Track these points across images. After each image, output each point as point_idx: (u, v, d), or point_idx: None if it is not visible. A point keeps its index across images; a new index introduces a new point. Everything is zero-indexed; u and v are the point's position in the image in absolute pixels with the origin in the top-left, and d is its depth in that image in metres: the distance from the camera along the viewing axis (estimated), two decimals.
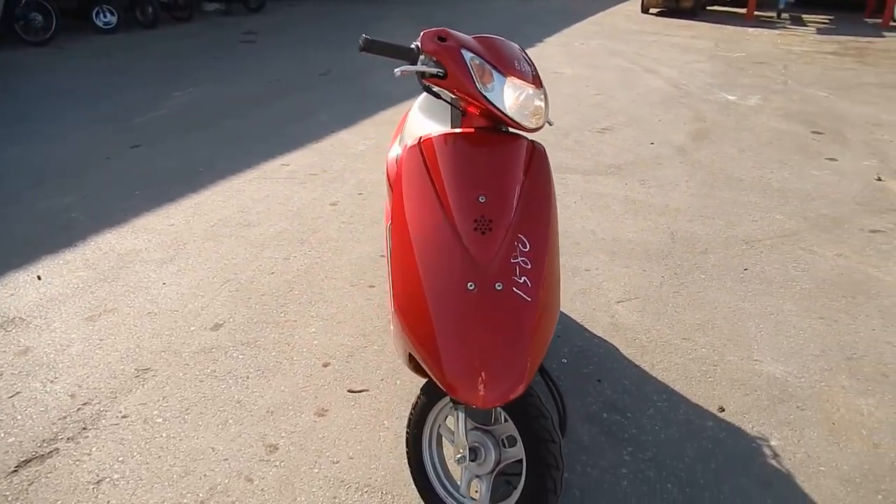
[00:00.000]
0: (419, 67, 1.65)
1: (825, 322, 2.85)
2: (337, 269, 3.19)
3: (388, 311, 2.27)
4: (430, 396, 1.80)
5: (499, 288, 1.55)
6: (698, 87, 7.04)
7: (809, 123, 5.75)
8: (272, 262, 3.25)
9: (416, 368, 1.88)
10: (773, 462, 2.09)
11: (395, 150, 2.54)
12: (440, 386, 1.55)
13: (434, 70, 1.64)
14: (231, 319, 2.78)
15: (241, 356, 2.55)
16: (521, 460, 1.68)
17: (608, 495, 1.95)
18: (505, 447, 1.72)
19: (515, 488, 1.70)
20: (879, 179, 4.49)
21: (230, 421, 2.22)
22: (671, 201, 4.07)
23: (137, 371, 2.46)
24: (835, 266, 3.32)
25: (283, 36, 9.59)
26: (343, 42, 9.20)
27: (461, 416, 1.69)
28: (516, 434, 1.66)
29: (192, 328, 2.72)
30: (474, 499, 1.79)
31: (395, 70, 1.65)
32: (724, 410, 2.30)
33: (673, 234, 3.64)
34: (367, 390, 2.39)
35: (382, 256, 3.32)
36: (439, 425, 1.84)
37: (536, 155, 1.73)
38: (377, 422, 2.24)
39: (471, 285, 1.55)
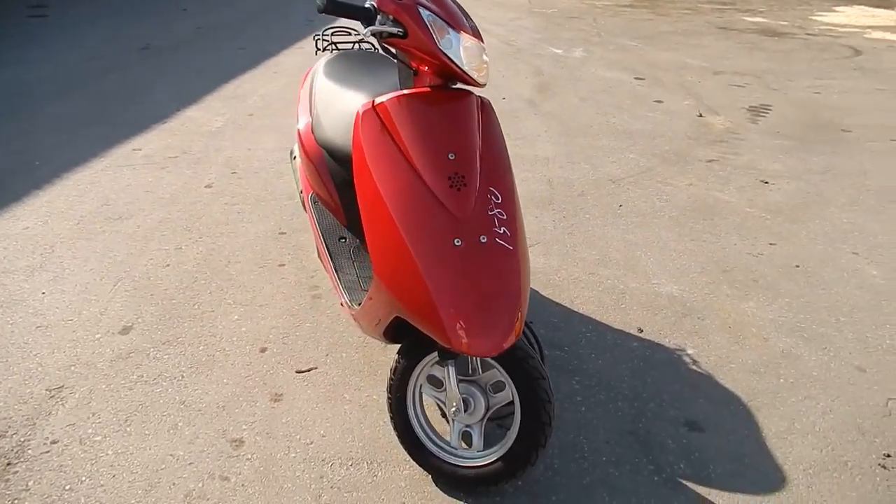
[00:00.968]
0: (379, 28, 1.63)
1: (697, 243, 3.24)
2: (237, 252, 3.04)
3: (333, 287, 2.23)
4: (410, 358, 1.83)
5: (483, 241, 1.61)
6: (527, 42, 7.42)
7: (630, 71, 6.34)
8: (163, 255, 3.01)
9: (393, 336, 1.89)
10: (695, 367, 2.39)
11: (304, 121, 2.46)
12: (441, 342, 1.59)
13: (394, 30, 1.63)
14: (140, 320, 2.56)
15: (166, 356, 2.37)
16: (510, 403, 1.78)
17: (574, 422, 2.12)
18: (492, 394, 1.80)
19: (509, 429, 1.80)
20: (700, 116, 5.11)
21: (180, 424, 2.08)
22: (539, 151, 4.33)
23: (50, 391, 2.19)
24: (689, 194, 3.76)
25: (82, 7, 8.54)
26: (158, 11, 8.42)
27: (451, 370, 1.74)
28: (505, 378, 1.75)
29: (98, 336, 2.46)
30: (466, 447, 1.86)
31: (365, 30, 1.62)
32: (642, 331, 2.57)
33: (550, 181, 3.89)
34: (316, 368, 2.34)
35: (282, 233, 3.20)
36: (420, 385, 1.87)
37: (486, 109, 1.79)
38: (337, 396, 2.21)
39: (457, 241, 1.60)
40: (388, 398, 1.88)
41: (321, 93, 2.40)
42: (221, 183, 3.72)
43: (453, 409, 1.78)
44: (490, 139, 1.75)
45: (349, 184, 2.34)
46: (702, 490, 1.89)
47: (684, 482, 1.92)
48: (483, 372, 1.82)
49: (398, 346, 1.89)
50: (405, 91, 1.72)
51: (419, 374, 1.85)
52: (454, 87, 1.77)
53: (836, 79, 6.19)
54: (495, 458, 1.79)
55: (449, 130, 1.69)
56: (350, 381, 2.28)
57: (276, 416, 2.12)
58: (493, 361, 1.74)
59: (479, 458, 1.83)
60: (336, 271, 2.23)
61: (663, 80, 6.02)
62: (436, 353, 1.79)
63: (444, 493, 1.86)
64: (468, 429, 1.85)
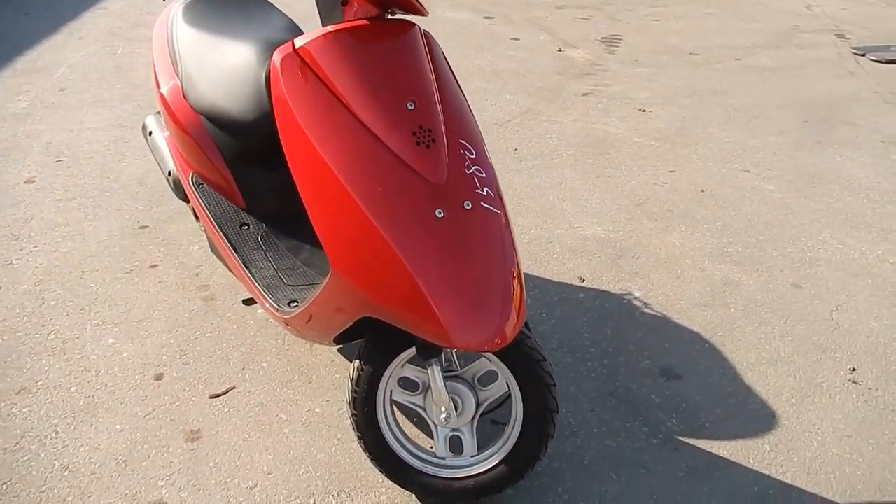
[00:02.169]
0: None
1: (602, 179, 3.12)
2: (91, 259, 2.43)
3: (246, 288, 1.79)
4: (377, 362, 1.48)
5: (468, 207, 1.29)
6: None
7: (477, 10, 6.10)
8: None
9: (343, 336, 1.54)
10: (648, 310, 2.25)
11: (170, 83, 1.94)
12: (435, 339, 1.27)
13: None
14: None
15: (26, 410, 1.81)
16: (503, 395, 1.51)
17: None
18: (480, 387, 1.51)
19: (506, 424, 1.53)
20: (560, 51, 5.01)
21: (69, 499, 1.57)
22: None
23: None
24: (577, 130, 3.64)
25: None
26: None
27: (436, 369, 1.43)
28: (497, 367, 1.47)
29: None
30: (456, 455, 1.56)
31: None
32: (584, 280, 2.39)
33: None
34: (234, 387, 1.91)
35: (144, 227, 2.62)
36: (391, 392, 1.54)
37: (432, 42, 1.45)
38: (271, 419, 1.81)
39: (439, 212, 1.27)
40: (354, 415, 1.52)
41: (188, 46, 1.88)
42: (46, 175, 2.99)
43: (443, 415, 1.47)
44: (445, 80, 1.41)
45: (245, 156, 1.88)
46: (703, 444, 1.75)
47: (683, 439, 1.77)
48: (467, 364, 1.52)
49: (339, 346, 1.53)
50: (334, 26, 1.32)
51: (389, 378, 1.51)
52: (392, 17, 1.39)
53: (668, 5, 6.39)
54: (497, 461, 1.51)
55: (401, 74, 1.32)
56: (282, 397, 1.88)
57: (199, 460, 1.68)
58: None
59: (477, 464, 1.54)
60: (246, 267, 1.79)
61: (513, 18, 5.85)
62: (410, 351, 1.46)
63: None
64: (456, 433, 1.55)
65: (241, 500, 1.58)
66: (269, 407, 1.84)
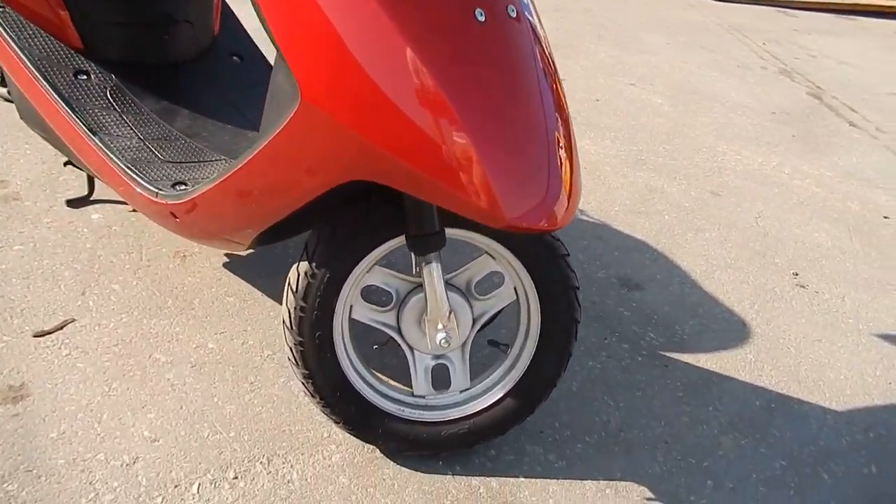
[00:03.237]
0: None
1: None
2: None
3: (93, 169, 1.17)
4: (337, 264, 1.01)
5: (512, 14, 0.86)
6: None
7: None
8: None
9: (280, 232, 1.04)
10: (586, 217, 1.98)
11: None
12: (474, 212, 0.84)
13: None
14: None
15: None
16: (498, 312, 1.12)
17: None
18: (478, 296, 1.11)
19: (509, 346, 1.14)
20: None
21: None
22: None
23: None
24: None
25: None
26: None
27: (436, 269, 0.99)
28: (506, 266, 1.07)
29: None
30: (437, 392, 1.14)
31: None
32: None
33: None
34: (73, 320, 1.28)
35: None
36: (350, 307, 1.07)
37: None
38: (143, 361, 1.23)
39: (480, 13, 0.82)
40: (298, 343, 1.03)
41: None
42: None
43: (440, 335, 1.03)
44: None
45: None
46: (688, 359, 1.52)
47: (667, 354, 1.52)
48: (459, 266, 1.10)
49: (251, 250, 1.06)
50: None
51: (351, 287, 1.04)
52: None
53: None
54: (502, 394, 1.12)
55: None
56: (153, 330, 1.30)
57: (30, 431, 1.07)
58: (486, 240, 1.03)
59: (471, 400, 1.14)
60: (93, 134, 1.17)
61: None
62: (390, 244, 1.01)
63: (418, 469, 1.14)
64: (441, 362, 1.13)
65: (116, 486, 1.02)
66: (135, 345, 1.26)
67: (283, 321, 1.04)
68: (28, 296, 1.31)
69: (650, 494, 1.18)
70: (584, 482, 1.18)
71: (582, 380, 1.40)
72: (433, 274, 0.99)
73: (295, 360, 1.05)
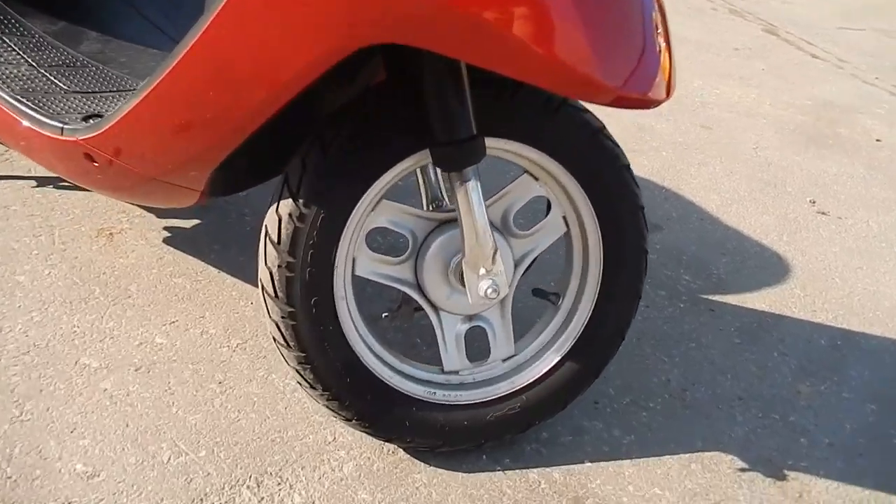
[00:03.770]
0: None
1: None
2: None
3: None
4: (335, 198, 0.72)
5: None
6: None
7: None
8: None
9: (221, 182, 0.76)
10: None
11: None
12: (580, 75, 0.58)
13: None
14: None
15: None
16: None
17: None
18: (519, 232, 0.84)
19: (560, 298, 0.88)
20: None
21: None
22: None
23: None
24: None
25: None
26: None
27: (475, 187, 0.72)
28: (557, 189, 0.81)
29: None
30: (474, 364, 0.87)
31: None
32: None
33: None
34: None
35: None
36: (353, 259, 0.78)
37: None
38: (64, 368, 0.91)
39: None
40: (288, 315, 0.74)
41: None
42: None
43: (484, 283, 0.76)
44: None
45: None
46: (733, 300, 1.31)
47: (708, 297, 1.31)
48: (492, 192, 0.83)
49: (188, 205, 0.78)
50: None
51: (353, 231, 0.76)
52: None
53: None
54: (560, 357, 0.86)
55: None
56: (75, 328, 0.97)
57: None
58: (530, 152, 0.77)
59: (524, 369, 0.87)
60: None
61: None
62: (397, 167, 0.74)
63: (457, 469, 0.87)
64: (476, 324, 0.85)
65: None
66: (53, 349, 0.93)
67: (262, 287, 0.75)
68: None
69: (742, 464, 0.95)
70: (663, 458, 0.94)
71: (630, 339, 1.15)
72: (471, 197, 0.72)
73: (284, 339, 0.76)
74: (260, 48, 0.60)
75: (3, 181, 1.25)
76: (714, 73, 2.58)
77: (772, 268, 1.43)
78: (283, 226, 0.72)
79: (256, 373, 0.95)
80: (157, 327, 1.00)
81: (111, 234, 1.17)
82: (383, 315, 0.87)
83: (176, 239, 1.18)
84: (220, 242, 1.19)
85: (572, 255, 0.86)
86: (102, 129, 0.74)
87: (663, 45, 0.66)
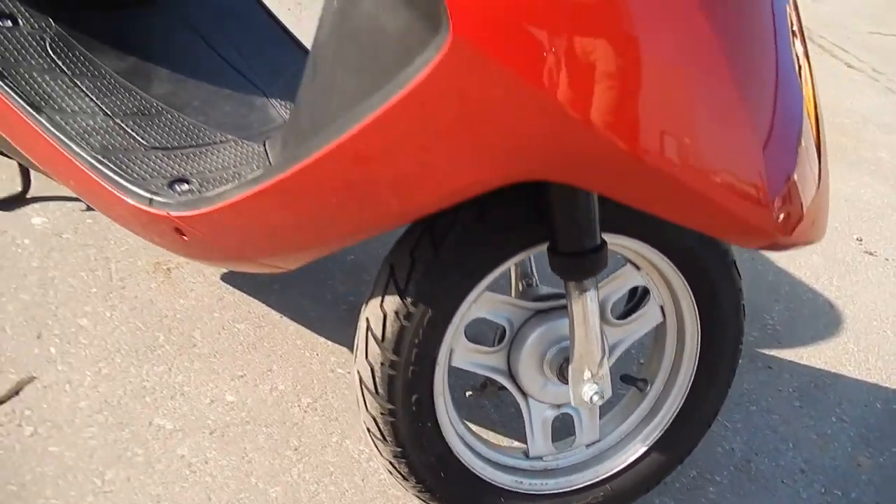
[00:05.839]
0: None
1: None
2: None
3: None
4: (442, 296, 0.70)
5: None
6: None
7: None
8: None
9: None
10: None
11: None
12: (752, 226, 0.56)
13: None
14: None
15: None
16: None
17: None
18: (615, 321, 0.82)
19: (646, 385, 0.87)
20: None
21: None
22: None
23: None
24: None
25: None
26: None
27: (592, 299, 0.71)
28: (656, 278, 0.80)
29: None
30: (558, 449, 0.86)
31: None
32: None
33: None
34: (32, 378, 0.91)
35: None
36: (451, 351, 0.76)
37: None
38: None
39: None
40: (385, 415, 0.72)
41: None
42: None
43: (589, 388, 0.74)
44: None
45: None
46: (788, 354, 1.31)
47: (766, 351, 1.30)
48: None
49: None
50: None
51: (455, 327, 0.73)
52: None
53: None
54: (650, 443, 0.85)
55: None
56: (145, 383, 0.95)
57: None
58: (640, 247, 0.75)
59: (609, 458, 0.86)
60: (35, 111, 0.80)
61: None
62: (508, 262, 0.72)
63: None
64: (564, 410, 0.84)
65: None
66: (127, 408, 0.91)
67: (361, 381, 0.73)
68: None
69: None
70: None
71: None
72: (588, 307, 0.70)
73: (381, 434, 0.74)
74: (407, 164, 0.56)
75: (54, 202, 1.22)
76: None
77: (824, 317, 1.42)
78: (388, 323, 0.70)
79: (330, 438, 0.94)
80: (226, 382, 0.98)
81: (168, 269, 1.14)
82: (467, 394, 0.86)
83: (234, 276, 1.15)
84: (278, 282, 1.16)
85: (664, 344, 0.84)
86: (200, 211, 0.71)
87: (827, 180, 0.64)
